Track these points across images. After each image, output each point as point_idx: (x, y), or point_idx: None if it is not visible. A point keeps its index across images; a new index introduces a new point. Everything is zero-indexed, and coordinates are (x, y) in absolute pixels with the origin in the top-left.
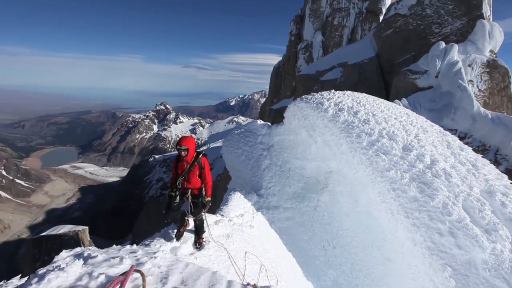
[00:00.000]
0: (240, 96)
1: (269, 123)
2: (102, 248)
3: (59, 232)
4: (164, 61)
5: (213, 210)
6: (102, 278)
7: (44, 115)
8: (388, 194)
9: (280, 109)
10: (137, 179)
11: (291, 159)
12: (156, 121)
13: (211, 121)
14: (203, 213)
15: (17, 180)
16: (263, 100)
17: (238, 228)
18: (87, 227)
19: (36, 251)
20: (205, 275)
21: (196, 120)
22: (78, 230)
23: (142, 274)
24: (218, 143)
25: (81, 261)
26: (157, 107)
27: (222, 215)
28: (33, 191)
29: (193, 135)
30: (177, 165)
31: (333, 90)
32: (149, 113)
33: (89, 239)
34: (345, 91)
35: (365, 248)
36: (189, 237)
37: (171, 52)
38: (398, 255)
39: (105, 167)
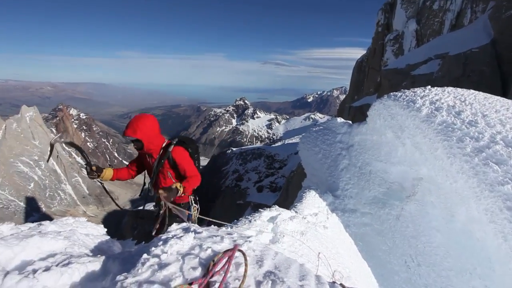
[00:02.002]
0: (318, 93)
1: (350, 122)
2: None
3: (151, 208)
4: (244, 58)
5: (287, 206)
6: (209, 251)
7: (145, 108)
8: (500, 214)
9: (362, 107)
10: (215, 169)
11: (373, 161)
12: (235, 115)
13: (288, 117)
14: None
15: (124, 162)
16: (342, 97)
17: (312, 227)
18: None
19: (134, 221)
20: (294, 265)
21: (272, 116)
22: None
23: (244, 254)
24: (294, 140)
25: (192, 234)
26: (237, 102)
27: (296, 212)
28: None
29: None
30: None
31: (429, 86)
32: (229, 107)
33: None
34: (445, 87)
35: (461, 274)
36: (265, 228)
37: (251, 49)
38: None
39: None
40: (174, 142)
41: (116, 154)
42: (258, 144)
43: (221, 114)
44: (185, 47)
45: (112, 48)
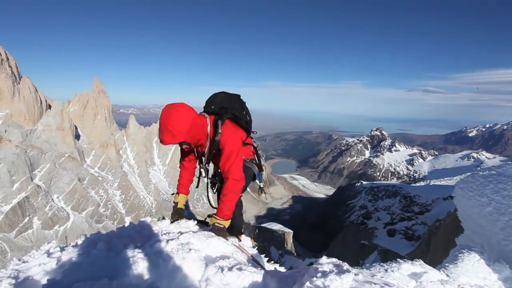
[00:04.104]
0: (487, 126)
1: None
2: (300, 254)
3: (272, 227)
4: (385, 85)
5: (427, 262)
6: None
7: (278, 132)
8: None
9: None
10: (341, 200)
11: None
12: (369, 146)
13: (436, 153)
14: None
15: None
16: None
17: None
18: (292, 231)
19: (257, 237)
20: None
21: (415, 150)
22: (285, 232)
23: None
24: (443, 181)
25: (351, 275)
26: (372, 133)
27: (448, 276)
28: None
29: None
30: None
31: None
32: (363, 137)
33: (291, 242)
34: None
35: None
36: (405, 285)
37: (394, 76)
38: None
39: (315, 183)
40: (220, 123)
41: None
42: (394, 181)
43: (353, 143)
44: (321, 76)
45: (259, 79)
